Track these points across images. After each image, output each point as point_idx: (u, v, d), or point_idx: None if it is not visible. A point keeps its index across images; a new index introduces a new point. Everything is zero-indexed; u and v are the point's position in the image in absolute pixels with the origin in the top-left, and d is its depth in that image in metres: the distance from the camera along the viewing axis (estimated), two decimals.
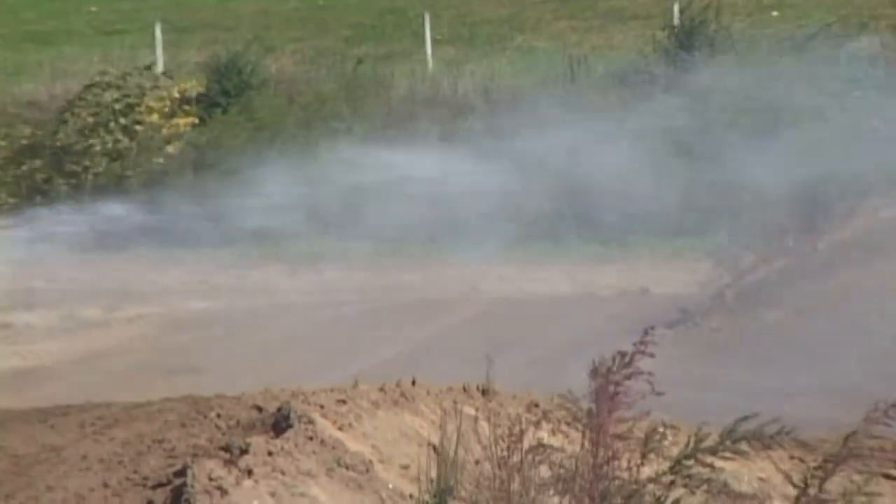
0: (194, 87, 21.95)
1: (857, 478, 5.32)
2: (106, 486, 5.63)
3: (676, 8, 23.04)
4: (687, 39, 22.43)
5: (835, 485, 4.98)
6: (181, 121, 21.59)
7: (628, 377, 4.74)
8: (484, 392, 6.59)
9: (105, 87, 21.19)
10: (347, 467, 5.60)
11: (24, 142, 21.18)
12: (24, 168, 21.09)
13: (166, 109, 21.60)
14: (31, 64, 23.52)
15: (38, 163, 21.06)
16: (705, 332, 13.06)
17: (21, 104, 21.93)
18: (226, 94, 21.90)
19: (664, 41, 22.52)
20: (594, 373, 4.82)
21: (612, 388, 4.76)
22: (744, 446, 4.75)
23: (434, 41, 23.99)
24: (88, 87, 21.15)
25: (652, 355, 4.86)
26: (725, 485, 4.75)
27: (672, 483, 4.74)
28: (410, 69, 23.13)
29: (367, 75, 22.64)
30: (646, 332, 4.83)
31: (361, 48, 24.44)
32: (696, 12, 22.63)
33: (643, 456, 4.76)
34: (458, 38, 25.22)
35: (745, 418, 4.79)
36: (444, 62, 23.67)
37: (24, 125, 21.41)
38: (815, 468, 4.75)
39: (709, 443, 4.79)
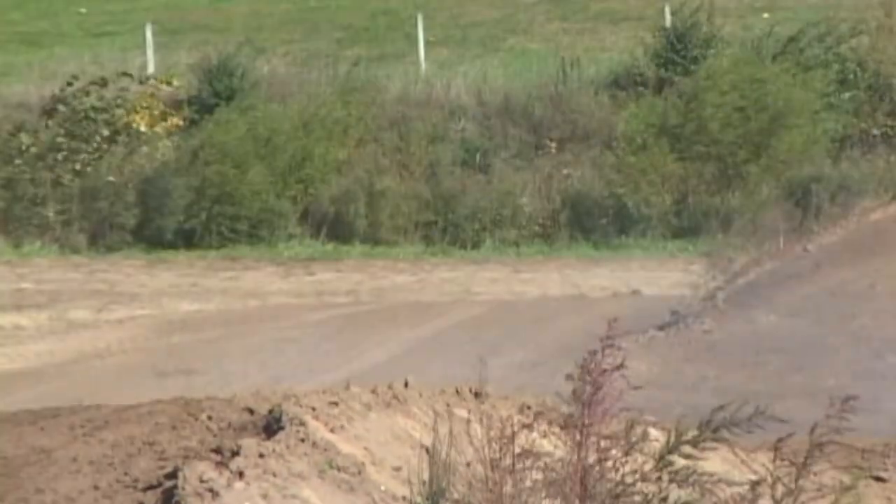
0: (171, 79, 21.82)
1: (845, 478, 5.33)
2: (96, 488, 5.61)
3: (668, 10, 23.03)
4: (678, 41, 22.43)
5: (819, 484, 4.98)
6: (168, 123, 21.52)
7: (602, 374, 4.74)
8: (476, 394, 6.58)
9: (83, 91, 21.15)
10: (339, 469, 5.60)
11: (7, 145, 21.13)
12: (10, 170, 21.03)
13: (156, 112, 21.54)
14: (20, 65, 23.45)
15: (22, 166, 21.00)
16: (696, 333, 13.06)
17: (10, 106, 21.88)
18: (217, 96, 21.86)
19: (655, 43, 22.52)
20: (576, 374, 4.83)
21: (590, 387, 4.76)
22: (724, 434, 4.76)
23: (427, 43, 23.98)
24: (62, 97, 21.10)
25: (620, 348, 4.86)
26: (711, 475, 4.76)
27: (658, 479, 4.75)
28: (403, 71, 23.11)
29: (359, 77, 22.62)
30: (610, 325, 4.81)
31: (354, 50, 24.41)
32: (688, 14, 22.63)
33: (626, 453, 4.77)
34: (450, 40, 25.20)
35: (721, 408, 4.81)
36: (436, 64, 23.65)
37: (13, 127, 21.35)
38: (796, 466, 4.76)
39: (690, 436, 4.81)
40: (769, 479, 4.80)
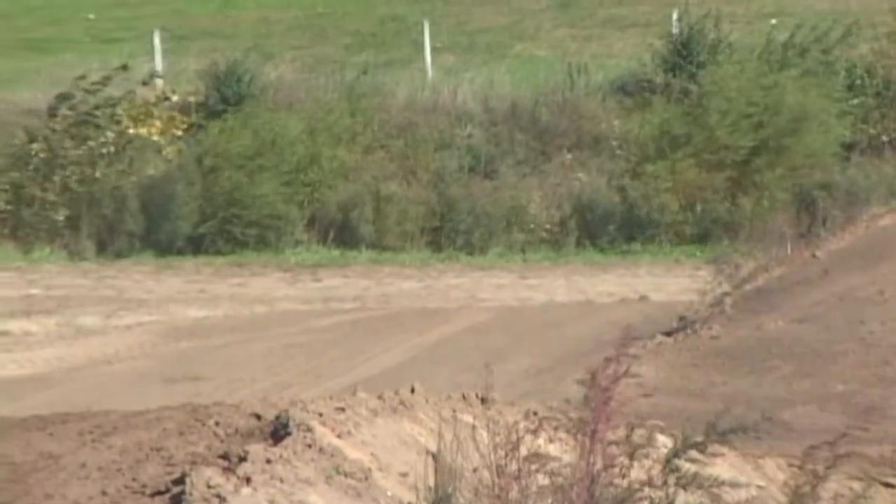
0: (173, 94, 21.82)
1: (855, 485, 5.33)
2: (104, 493, 5.63)
3: (675, 16, 23.01)
4: (685, 47, 22.41)
5: (832, 491, 4.99)
6: (175, 129, 21.54)
7: (615, 381, 4.75)
8: (482, 400, 6.60)
9: (88, 90, 21.15)
10: (346, 475, 5.61)
11: (16, 150, 21.15)
12: (18, 176, 21.06)
13: (163, 117, 21.55)
14: (29, 72, 23.50)
15: (31, 172, 21.03)
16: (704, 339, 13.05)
17: (19, 112, 21.91)
18: (225, 102, 21.88)
19: (662, 49, 22.50)
20: (587, 380, 4.84)
21: (601, 394, 4.77)
22: (730, 437, 4.78)
23: (434, 49, 23.99)
24: (65, 96, 21.11)
25: (634, 356, 4.88)
26: (716, 479, 4.77)
27: (665, 484, 4.77)
28: (410, 77, 23.12)
29: (367, 83, 22.62)
30: (625, 333, 4.83)
31: (361, 56, 24.44)
32: (695, 21, 22.60)
33: (630, 457, 4.79)
34: (457, 46, 25.22)
35: (726, 409, 4.83)
36: (443, 70, 23.66)
37: (22, 133, 21.38)
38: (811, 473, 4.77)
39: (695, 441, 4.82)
40: (782, 486, 4.81)
